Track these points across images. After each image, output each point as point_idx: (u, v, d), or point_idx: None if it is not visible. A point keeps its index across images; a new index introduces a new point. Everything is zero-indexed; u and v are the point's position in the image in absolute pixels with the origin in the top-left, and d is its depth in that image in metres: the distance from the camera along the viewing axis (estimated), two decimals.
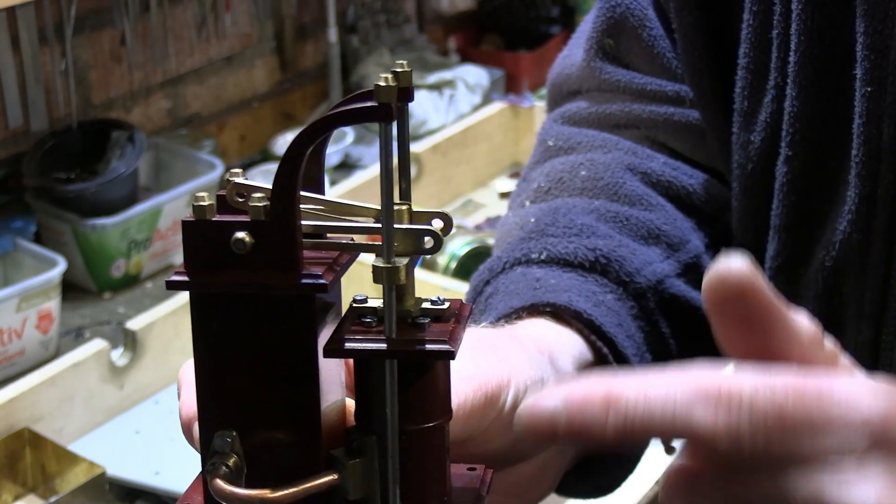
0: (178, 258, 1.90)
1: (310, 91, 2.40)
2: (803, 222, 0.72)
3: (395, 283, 0.45)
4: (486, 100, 2.37)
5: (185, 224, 0.46)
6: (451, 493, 0.50)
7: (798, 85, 0.69)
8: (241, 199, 0.47)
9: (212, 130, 2.18)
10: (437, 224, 0.48)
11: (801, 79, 0.69)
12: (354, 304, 0.48)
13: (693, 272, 0.76)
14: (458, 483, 0.51)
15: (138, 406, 1.51)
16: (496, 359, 0.60)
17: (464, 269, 1.71)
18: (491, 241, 1.77)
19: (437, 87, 2.36)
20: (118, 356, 1.49)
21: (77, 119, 1.89)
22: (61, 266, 1.64)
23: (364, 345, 0.46)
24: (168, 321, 1.52)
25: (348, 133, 2.23)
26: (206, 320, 0.46)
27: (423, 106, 2.32)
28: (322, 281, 0.45)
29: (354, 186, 1.85)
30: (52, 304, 1.64)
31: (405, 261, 0.45)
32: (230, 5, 2.14)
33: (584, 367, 0.68)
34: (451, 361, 0.48)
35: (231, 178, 0.47)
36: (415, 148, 1.98)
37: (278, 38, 2.31)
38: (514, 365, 0.60)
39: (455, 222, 0.50)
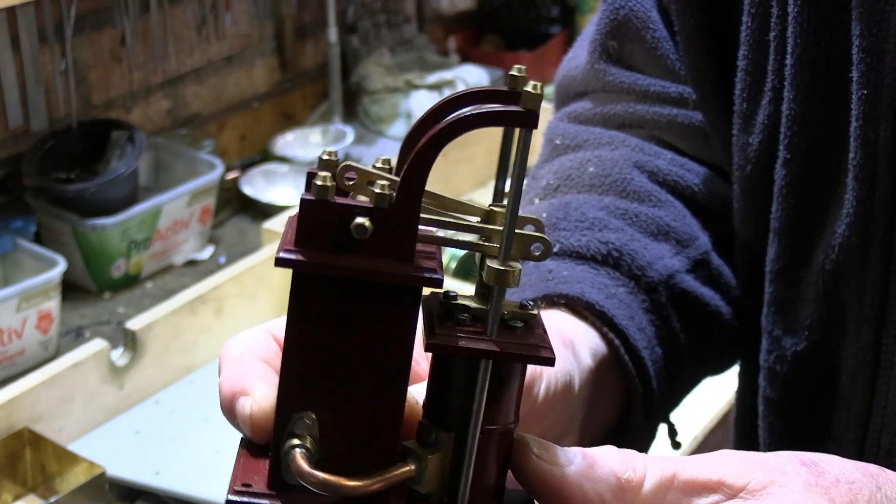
0: (179, 258, 1.90)
1: (310, 91, 2.40)
2: (802, 225, 0.72)
3: (505, 286, 0.46)
4: None
5: (304, 202, 0.45)
6: (504, 492, 0.50)
7: (795, 87, 0.69)
8: (350, 182, 0.46)
9: (212, 130, 2.18)
10: (532, 230, 0.48)
11: (798, 81, 0.69)
12: (444, 300, 0.48)
13: (702, 269, 0.77)
14: (508, 483, 0.51)
15: (138, 406, 1.51)
16: None
17: (463, 269, 1.71)
18: None
19: (437, 87, 2.36)
20: (118, 356, 1.49)
21: (77, 119, 1.89)
22: (61, 266, 1.64)
23: (471, 344, 0.46)
24: (168, 321, 1.52)
25: (348, 133, 2.23)
26: (307, 301, 0.46)
27: (423, 106, 2.32)
28: (438, 276, 0.45)
29: None
30: (52, 304, 1.64)
31: (519, 266, 0.46)
32: (230, 5, 2.14)
33: (600, 359, 0.68)
34: None
35: (332, 158, 0.47)
36: None
37: (278, 38, 2.30)
38: None
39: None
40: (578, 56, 0.87)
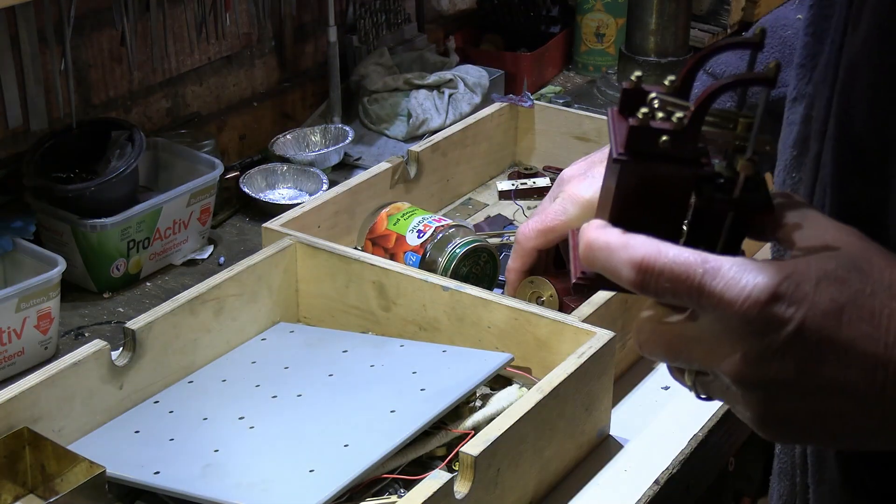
0: (178, 258, 1.90)
1: (310, 91, 2.40)
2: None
3: (748, 173, 0.71)
4: (486, 100, 2.37)
5: (633, 127, 0.71)
6: None
7: None
8: (644, 105, 0.72)
9: (212, 130, 2.18)
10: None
11: None
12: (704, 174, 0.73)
13: None
14: None
15: (138, 406, 1.50)
16: None
17: (457, 276, 1.71)
18: (491, 241, 1.76)
19: (437, 87, 2.36)
20: (118, 356, 1.49)
21: (77, 119, 1.89)
22: (61, 266, 1.64)
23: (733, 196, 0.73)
24: (168, 321, 1.52)
25: (348, 133, 2.23)
26: (628, 180, 0.73)
27: (423, 106, 2.32)
28: (710, 171, 0.73)
29: (354, 186, 1.85)
30: (52, 304, 1.64)
31: (756, 158, 0.72)
32: (230, 5, 2.14)
33: None
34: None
35: (652, 94, 0.73)
36: (414, 148, 1.98)
37: (278, 38, 2.31)
38: None
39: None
40: None
